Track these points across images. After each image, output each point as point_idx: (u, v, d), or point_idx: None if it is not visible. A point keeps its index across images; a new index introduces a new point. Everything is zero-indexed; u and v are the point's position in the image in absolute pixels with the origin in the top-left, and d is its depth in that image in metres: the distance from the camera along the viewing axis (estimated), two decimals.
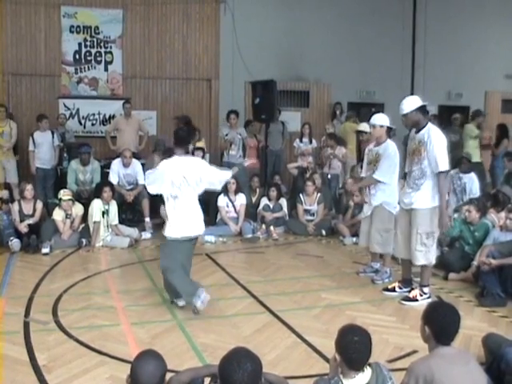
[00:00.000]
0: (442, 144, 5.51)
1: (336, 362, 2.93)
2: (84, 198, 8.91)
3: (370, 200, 6.46)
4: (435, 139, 5.48)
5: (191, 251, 5.60)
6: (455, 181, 8.35)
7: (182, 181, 5.38)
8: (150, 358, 2.85)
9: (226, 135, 10.27)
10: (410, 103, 5.61)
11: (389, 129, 6.53)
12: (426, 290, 5.78)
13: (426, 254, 5.66)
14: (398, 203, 6.10)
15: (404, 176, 6.10)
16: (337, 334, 2.94)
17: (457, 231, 6.89)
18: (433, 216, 5.59)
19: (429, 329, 3.08)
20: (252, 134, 10.78)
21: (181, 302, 5.47)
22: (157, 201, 9.47)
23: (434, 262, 5.85)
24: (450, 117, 12.03)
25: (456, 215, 7.31)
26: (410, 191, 5.69)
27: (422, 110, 5.63)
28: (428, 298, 5.72)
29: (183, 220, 5.40)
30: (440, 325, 3.07)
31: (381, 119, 6.45)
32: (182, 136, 5.61)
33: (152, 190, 5.60)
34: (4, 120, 9.96)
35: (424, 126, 5.59)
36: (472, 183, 8.39)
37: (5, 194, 8.65)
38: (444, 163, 5.45)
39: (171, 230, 5.42)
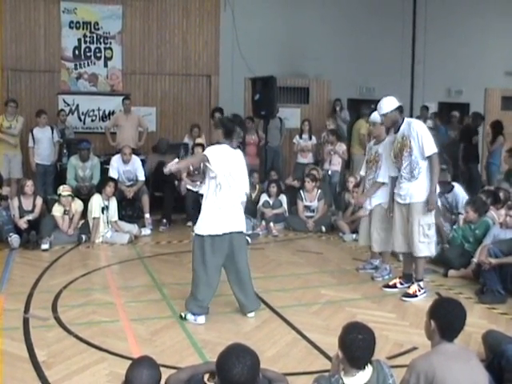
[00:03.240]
0: (423, 129, 5.64)
1: (338, 359, 2.92)
2: (83, 194, 8.90)
3: (371, 200, 6.45)
4: (416, 127, 5.63)
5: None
6: (442, 200, 8.06)
7: (230, 171, 5.03)
8: (145, 367, 2.83)
9: None
10: (389, 103, 5.74)
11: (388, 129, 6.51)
12: (422, 284, 5.81)
13: (428, 245, 5.73)
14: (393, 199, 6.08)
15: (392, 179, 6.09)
16: (341, 331, 2.94)
17: (460, 239, 6.86)
18: None
19: (435, 324, 3.08)
20: (254, 131, 10.75)
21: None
22: (156, 197, 9.56)
23: (434, 253, 5.94)
24: (449, 114, 12.10)
25: (455, 226, 7.26)
26: (405, 182, 5.72)
27: (400, 109, 5.76)
28: (424, 292, 5.75)
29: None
30: (447, 320, 3.07)
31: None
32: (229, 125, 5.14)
33: (215, 164, 4.91)
34: (12, 114, 9.94)
35: (401, 124, 5.72)
36: (458, 199, 8.17)
37: (6, 190, 8.63)
38: (430, 147, 5.55)
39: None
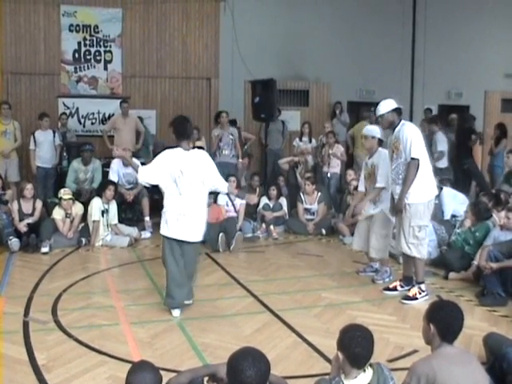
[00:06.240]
0: (414, 135, 5.65)
1: (338, 361, 2.91)
2: (84, 197, 8.89)
3: (373, 205, 6.41)
4: (408, 131, 5.66)
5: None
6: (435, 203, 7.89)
7: (178, 175, 5.09)
8: (146, 372, 2.81)
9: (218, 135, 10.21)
10: (386, 105, 5.84)
11: (380, 140, 6.49)
12: (423, 287, 5.80)
13: (417, 247, 5.74)
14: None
15: None
16: (339, 334, 2.93)
17: (461, 241, 6.85)
18: (426, 210, 5.71)
19: (434, 327, 3.07)
20: None
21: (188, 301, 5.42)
22: (156, 200, 9.52)
23: (425, 256, 5.95)
24: (447, 117, 12.13)
25: (459, 230, 7.24)
26: (397, 186, 5.75)
27: (398, 111, 5.82)
28: (426, 295, 5.73)
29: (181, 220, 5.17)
30: (446, 323, 3.06)
31: (373, 130, 6.49)
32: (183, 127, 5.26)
33: (142, 178, 5.22)
34: (8, 118, 9.93)
35: (397, 125, 5.77)
36: (443, 207, 8.07)
37: (8, 194, 8.62)
38: (414, 151, 5.55)
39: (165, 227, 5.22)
